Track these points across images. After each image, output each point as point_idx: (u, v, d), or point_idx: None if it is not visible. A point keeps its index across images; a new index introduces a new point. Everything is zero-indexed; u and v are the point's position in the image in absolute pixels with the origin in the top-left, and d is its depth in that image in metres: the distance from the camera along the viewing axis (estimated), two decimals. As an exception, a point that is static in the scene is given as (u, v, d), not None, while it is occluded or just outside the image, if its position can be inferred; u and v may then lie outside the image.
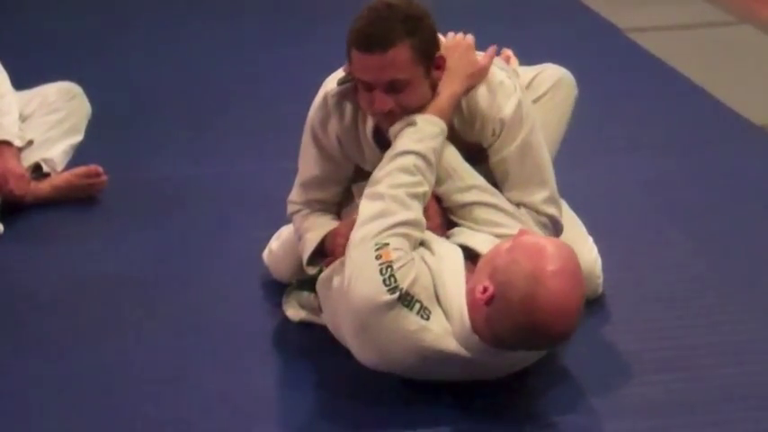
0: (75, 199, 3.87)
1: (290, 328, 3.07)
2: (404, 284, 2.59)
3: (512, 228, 2.77)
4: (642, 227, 3.68)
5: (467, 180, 2.84)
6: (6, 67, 3.94)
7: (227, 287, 3.33)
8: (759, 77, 5.09)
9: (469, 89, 2.86)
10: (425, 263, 2.66)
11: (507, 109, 2.85)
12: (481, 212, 2.82)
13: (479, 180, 2.86)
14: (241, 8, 6.29)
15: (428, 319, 2.61)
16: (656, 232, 3.64)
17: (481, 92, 2.88)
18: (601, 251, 3.20)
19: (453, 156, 2.86)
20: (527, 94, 3.13)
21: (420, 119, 2.79)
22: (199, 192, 3.97)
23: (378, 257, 2.62)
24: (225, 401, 2.80)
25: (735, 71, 5.19)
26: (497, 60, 2.98)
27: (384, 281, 2.60)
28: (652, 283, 3.32)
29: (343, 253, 2.75)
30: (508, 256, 2.56)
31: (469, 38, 2.93)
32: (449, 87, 2.83)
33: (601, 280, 3.17)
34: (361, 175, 3.02)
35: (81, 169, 3.91)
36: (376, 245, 2.64)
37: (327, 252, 2.92)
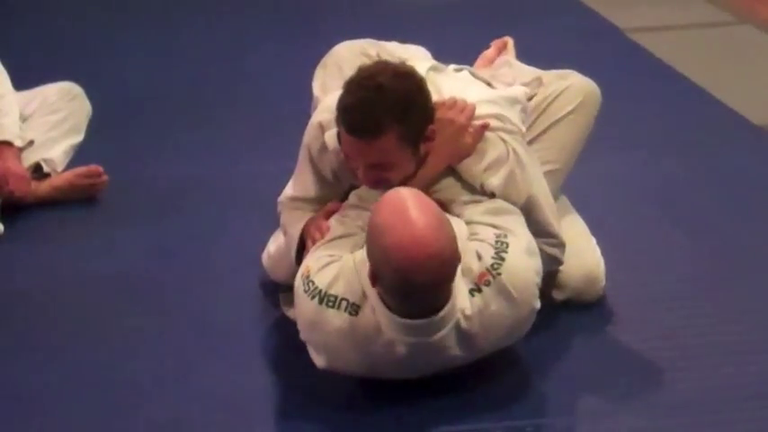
0: (76, 199, 3.87)
1: (290, 328, 3.07)
2: (322, 287, 2.66)
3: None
4: (642, 227, 3.68)
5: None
6: (6, 67, 3.94)
7: (227, 287, 3.33)
8: (759, 77, 5.09)
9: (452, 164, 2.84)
10: (355, 263, 2.68)
11: (496, 181, 2.83)
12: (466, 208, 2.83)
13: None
14: (241, 8, 6.29)
15: (356, 314, 2.63)
16: (657, 232, 3.64)
17: (473, 165, 2.84)
18: (601, 251, 3.19)
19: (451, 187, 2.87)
20: (553, 110, 3.16)
21: None
22: (199, 192, 3.97)
23: (301, 275, 2.73)
24: (225, 401, 2.80)
25: (735, 71, 5.19)
26: (497, 115, 2.93)
27: (304, 290, 2.69)
28: (652, 283, 3.32)
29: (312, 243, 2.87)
30: (366, 229, 2.62)
31: (468, 111, 2.84)
32: (428, 168, 2.81)
33: (604, 284, 3.15)
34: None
35: (81, 169, 3.91)
36: (303, 266, 2.75)
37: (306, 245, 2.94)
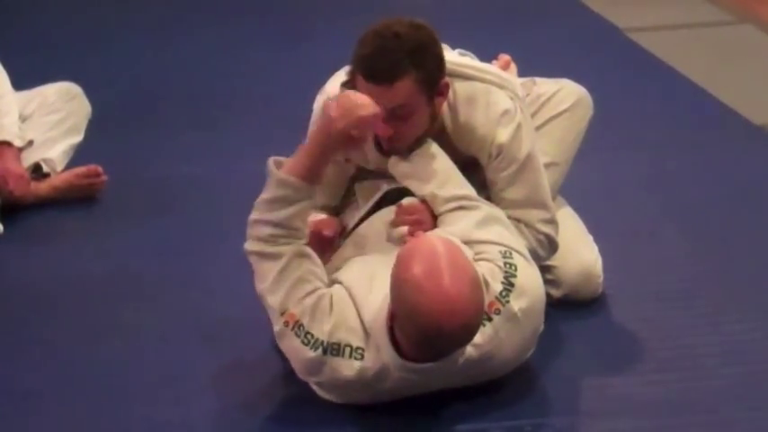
0: (75, 199, 3.87)
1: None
2: (323, 337, 2.61)
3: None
4: (642, 226, 3.68)
5: (451, 190, 2.84)
6: (6, 67, 3.94)
7: (227, 287, 3.32)
8: (759, 77, 5.09)
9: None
10: (353, 300, 2.65)
11: (505, 135, 2.87)
12: (453, 218, 2.82)
13: (464, 190, 2.86)
14: (241, 7, 6.29)
15: (362, 358, 2.61)
16: (656, 232, 3.64)
17: (480, 117, 2.87)
18: (601, 251, 3.20)
19: (443, 163, 2.87)
20: (547, 109, 3.17)
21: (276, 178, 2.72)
22: (199, 192, 3.97)
23: (286, 324, 2.65)
24: (225, 402, 2.80)
25: (735, 71, 5.19)
26: (501, 79, 2.96)
27: (303, 342, 2.63)
28: (652, 283, 3.32)
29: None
30: (395, 270, 2.54)
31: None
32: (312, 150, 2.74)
33: (601, 279, 3.17)
34: (364, 175, 3.04)
35: (81, 169, 3.91)
36: (279, 312, 2.67)
37: None
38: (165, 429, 2.72)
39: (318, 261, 2.73)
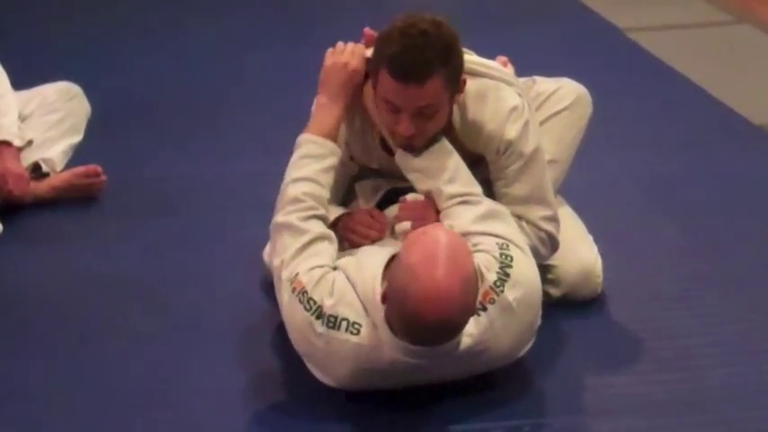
0: (75, 199, 3.87)
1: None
2: (324, 308, 2.63)
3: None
4: (642, 227, 3.68)
5: (458, 187, 2.85)
6: (6, 68, 3.94)
7: (227, 287, 3.33)
8: (759, 77, 5.09)
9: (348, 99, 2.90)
10: (349, 281, 2.66)
11: (514, 131, 2.87)
12: (456, 212, 2.83)
13: (471, 188, 2.86)
14: (239, 8, 6.29)
15: (358, 333, 2.61)
16: (656, 232, 3.64)
17: (490, 113, 2.88)
18: (601, 251, 3.20)
19: (454, 160, 2.87)
20: (547, 107, 3.18)
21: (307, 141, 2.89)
22: (198, 192, 3.97)
23: (293, 290, 2.68)
24: (225, 402, 2.80)
25: (734, 71, 5.19)
26: (509, 76, 2.97)
27: (305, 308, 2.65)
28: (652, 283, 3.32)
29: (353, 244, 2.89)
30: (398, 252, 2.58)
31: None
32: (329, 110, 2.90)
33: (601, 279, 3.17)
34: (365, 174, 3.04)
35: (80, 169, 3.90)
36: (288, 280, 2.71)
37: (341, 236, 2.94)
38: (164, 429, 2.72)
39: (336, 247, 2.81)
